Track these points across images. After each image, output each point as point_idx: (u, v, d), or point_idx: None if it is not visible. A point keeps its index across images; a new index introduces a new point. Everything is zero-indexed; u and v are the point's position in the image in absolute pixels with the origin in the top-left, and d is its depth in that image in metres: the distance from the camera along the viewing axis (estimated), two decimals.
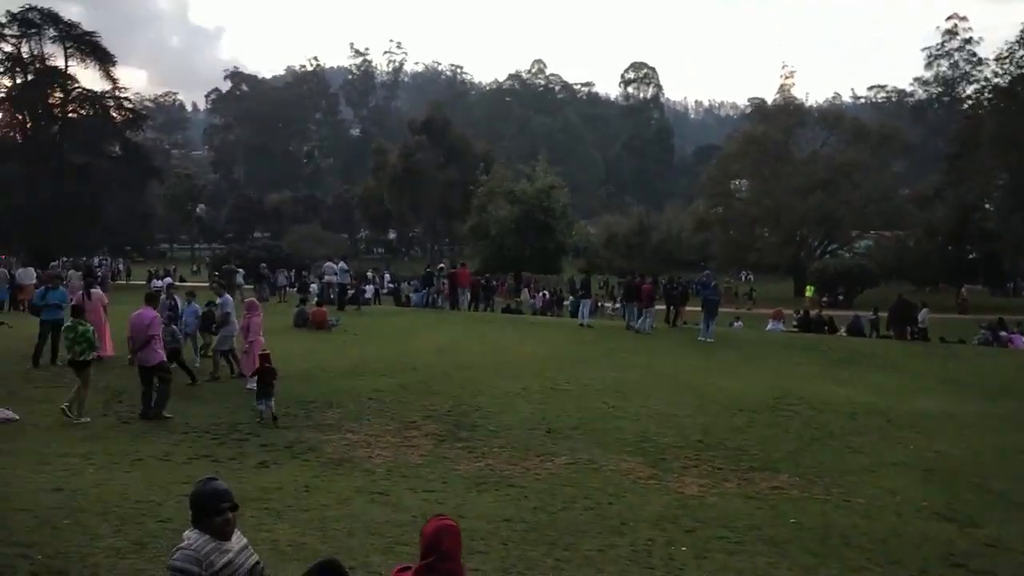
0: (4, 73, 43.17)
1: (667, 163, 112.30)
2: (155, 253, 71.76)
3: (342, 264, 24.42)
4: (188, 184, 75.21)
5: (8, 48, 42.74)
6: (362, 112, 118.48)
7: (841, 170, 50.02)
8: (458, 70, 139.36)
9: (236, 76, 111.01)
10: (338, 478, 7.54)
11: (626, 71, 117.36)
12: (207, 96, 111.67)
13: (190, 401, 10.68)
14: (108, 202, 44.88)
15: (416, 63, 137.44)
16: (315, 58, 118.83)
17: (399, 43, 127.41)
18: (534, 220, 43.85)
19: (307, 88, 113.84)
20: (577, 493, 7.48)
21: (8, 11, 41.59)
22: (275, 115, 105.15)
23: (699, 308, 20.05)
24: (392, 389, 12.11)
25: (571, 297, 30.78)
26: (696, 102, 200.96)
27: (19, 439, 8.07)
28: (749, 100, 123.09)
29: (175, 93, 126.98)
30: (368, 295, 28.17)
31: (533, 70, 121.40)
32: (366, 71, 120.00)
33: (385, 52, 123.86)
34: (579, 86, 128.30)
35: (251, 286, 28.91)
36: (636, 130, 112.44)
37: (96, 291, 14.30)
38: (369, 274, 36.60)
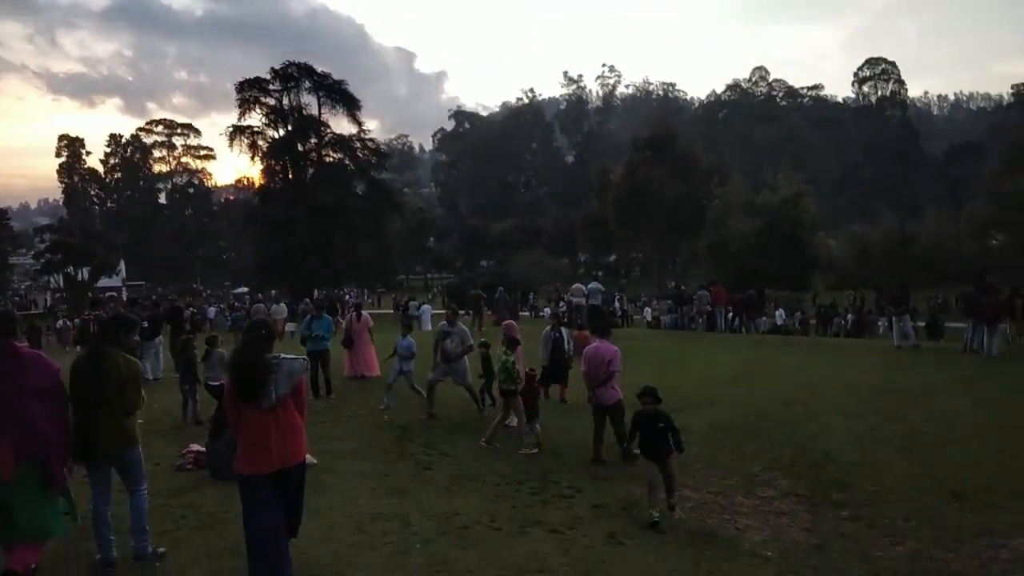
0: (269, 125, 47.82)
1: (914, 165, 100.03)
2: (394, 284, 76.23)
3: (593, 284, 22.71)
4: (421, 217, 79.50)
5: (272, 102, 47.32)
6: (576, 138, 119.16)
7: None
8: (670, 88, 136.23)
9: (459, 115, 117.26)
10: (722, 565, 5.49)
11: (859, 69, 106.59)
12: (433, 136, 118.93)
13: (477, 439, 9.31)
14: (356, 238, 47.82)
15: (627, 85, 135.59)
16: (530, 90, 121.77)
17: (611, 66, 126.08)
18: (780, 233, 40.19)
19: (523, 120, 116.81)
20: None
21: (272, 68, 46.06)
22: (494, 148, 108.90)
23: None
24: (704, 430, 9.91)
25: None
26: (939, 96, 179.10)
27: (324, 493, 6.94)
28: (1013, 87, 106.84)
29: (406, 136, 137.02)
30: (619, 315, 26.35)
31: (754, 78, 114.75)
32: (579, 98, 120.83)
33: (597, 77, 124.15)
34: (805, 90, 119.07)
35: (489, 311, 28.51)
36: (874, 132, 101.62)
37: (365, 314, 15.28)
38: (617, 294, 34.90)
